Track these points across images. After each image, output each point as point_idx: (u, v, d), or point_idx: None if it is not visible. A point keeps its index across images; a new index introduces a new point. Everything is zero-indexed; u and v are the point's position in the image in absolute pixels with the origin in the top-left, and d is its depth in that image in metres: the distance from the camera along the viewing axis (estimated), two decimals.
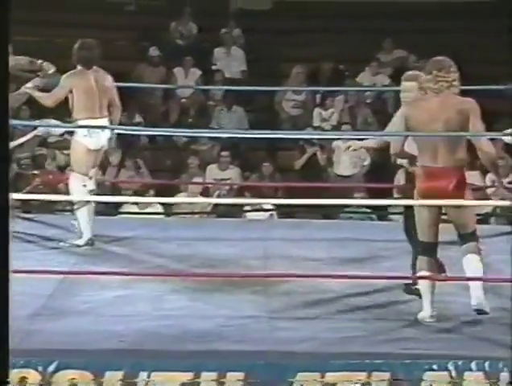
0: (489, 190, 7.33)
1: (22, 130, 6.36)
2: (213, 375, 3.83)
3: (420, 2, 10.32)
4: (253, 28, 10.33)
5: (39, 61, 5.64)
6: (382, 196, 7.29)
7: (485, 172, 7.14)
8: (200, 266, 5.24)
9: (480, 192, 6.86)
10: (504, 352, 3.96)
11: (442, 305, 4.46)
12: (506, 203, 6.52)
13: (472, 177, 6.71)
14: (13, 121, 4.46)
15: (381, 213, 7.89)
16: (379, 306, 4.58)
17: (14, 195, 4.66)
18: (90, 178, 5.64)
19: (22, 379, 3.77)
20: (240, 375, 3.84)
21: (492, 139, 4.64)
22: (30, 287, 4.39)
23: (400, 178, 8.14)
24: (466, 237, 4.39)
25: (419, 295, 4.46)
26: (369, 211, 8.02)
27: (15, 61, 5.39)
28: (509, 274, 4.47)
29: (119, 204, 7.66)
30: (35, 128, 6.22)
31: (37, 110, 6.81)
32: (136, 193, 7.75)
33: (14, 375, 3.69)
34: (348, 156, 8.93)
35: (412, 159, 4.55)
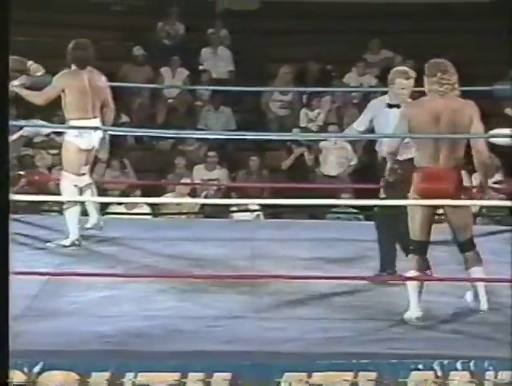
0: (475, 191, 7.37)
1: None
2: (200, 375, 3.83)
3: (407, 2, 10.35)
4: (241, 28, 10.33)
5: (29, 62, 5.63)
6: (369, 196, 7.30)
7: (470, 172, 7.16)
8: (187, 266, 5.23)
9: (468, 192, 6.88)
10: (489, 352, 3.98)
11: (428, 304, 4.47)
12: (505, 203, 6.57)
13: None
14: (12, 122, 4.45)
15: (368, 213, 7.90)
16: (366, 306, 4.59)
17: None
18: (83, 174, 5.63)
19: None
20: (227, 375, 3.83)
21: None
22: (14, 288, 4.35)
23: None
24: (465, 244, 4.42)
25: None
26: (355, 211, 8.03)
27: None
28: (500, 274, 4.50)
29: (106, 204, 7.64)
30: (20, 128, 6.20)
31: (24, 110, 6.79)
32: (123, 193, 7.74)
33: None
34: (335, 156, 8.95)
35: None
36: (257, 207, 7.76)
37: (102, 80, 5.67)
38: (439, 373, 3.86)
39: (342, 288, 4.82)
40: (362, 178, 8.38)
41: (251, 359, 3.89)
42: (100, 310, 4.46)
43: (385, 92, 5.17)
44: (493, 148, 4.74)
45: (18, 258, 5.17)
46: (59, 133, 8.78)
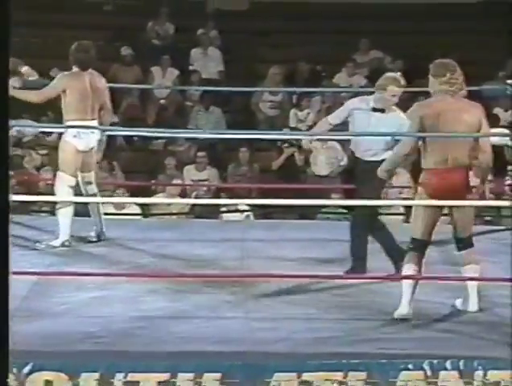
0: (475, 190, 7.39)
1: None
2: (190, 375, 3.83)
3: (395, 3, 10.37)
4: (231, 29, 10.33)
5: (25, 68, 5.63)
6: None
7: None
8: (178, 267, 5.22)
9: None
10: (479, 351, 3.99)
11: (418, 304, 4.48)
12: (506, 203, 6.62)
13: None
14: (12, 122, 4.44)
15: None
16: (356, 306, 4.60)
17: None
18: (90, 183, 5.66)
19: None
20: (217, 375, 3.83)
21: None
22: None
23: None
24: (464, 242, 4.45)
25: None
26: (345, 211, 8.04)
27: None
28: (492, 275, 4.52)
29: None
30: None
31: (11, 110, 6.75)
32: (111, 195, 7.72)
33: None
34: (325, 156, 8.96)
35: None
36: (247, 208, 7.76)
37: (102, 82, 5.68)
38: (429, 373, 3.87)
39: (332, 288, 4.82)
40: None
41: (241, 360, 3.89)
42: (90, 311, 4.45)
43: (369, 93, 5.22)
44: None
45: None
46: (49, 134, 8.79)
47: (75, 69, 5.61)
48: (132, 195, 7.85)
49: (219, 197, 8.15)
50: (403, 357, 3.91)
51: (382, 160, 4.77)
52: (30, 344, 3.97)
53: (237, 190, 8.35)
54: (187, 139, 9.12)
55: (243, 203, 7.71)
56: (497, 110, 9.35)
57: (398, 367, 3.87)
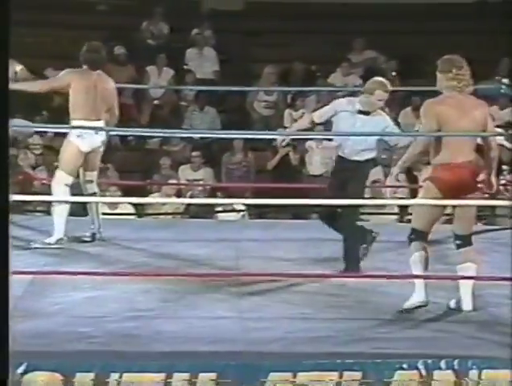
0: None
1: None
2: (185, 375, 3.83)
3: (391, 3, 10.38)
4: (225, 29, 10.33)
5: (19, 67, 5.63)
6: None
7: None
8: (173, 267, 5.22)
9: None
10: (473, 351, 4.00)
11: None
12: (507, 202, 6.67)
13: None
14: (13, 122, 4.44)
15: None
16: (350, 306, 4.60)
17: None
18: (91, 181, 5.66)
19: None
20: (212, 375, 3.83)
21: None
22: None
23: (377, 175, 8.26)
24: (463, 239, 4.46)
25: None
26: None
27: None
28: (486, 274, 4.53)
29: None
30: None
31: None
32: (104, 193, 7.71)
33: None
34: (320, 156, 8.98)
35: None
36: (242, 207, 7.76)
37: (110, 84, 5.68)
38: (424, 372, 3.87)
39: (327, 287, 4.83)
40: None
41: (236, 359, 3.89)
42: (85, 311, 4.45)
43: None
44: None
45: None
46: (44, 133, 8.78)
47: (84, 67, 5.63)
48: (127, 195, 7.84)
49: (214, 197, 8.15)
50: (398, 357, 3.91)
51: (367, 160, 5.03)
52: (24, 344, 3.96)
53: (231, 189, 8.35)
54: (182, 139, 9.12)
55: (238, 202, 7.71)
56: (493, 109, 9.36)
57: (392, 366, 3.87)
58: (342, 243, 5.13)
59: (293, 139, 9.16)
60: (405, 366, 3.87)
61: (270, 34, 10.39)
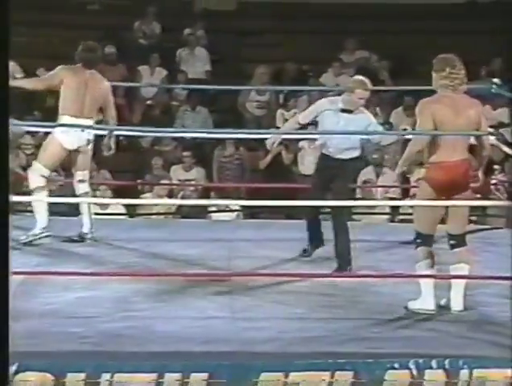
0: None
1: None
2: (177, 376, 3.82)
3: (383, 3, 10.40)
4: (218, 28, 10.33)
5: (20, 76, 5.65)
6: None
7: None
8: (165, 267, 5.22)
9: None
10: (464, 350, 4.01)
11: (403, 303, 4.49)
12: (503, 203, 6.69)
13: None
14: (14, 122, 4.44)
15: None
16: (342, 306, 4.60)
17: None
18: (83, 181, 5.65)
19: None
20: (204, 375, 3.83)
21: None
22: None
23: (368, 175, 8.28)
24: (457, 239, 4.47)
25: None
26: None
27: None
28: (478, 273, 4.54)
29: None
30: None
31: None
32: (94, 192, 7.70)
33: None
34: (313, 156, 8.97)
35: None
36: (236, 207, 7.75)
37: (103, 84, 5.67)
38: (415, 372, 3.88)
39: (319, 287, 4.83)
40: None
41: (228, 360, 3.89)
42: (76, 311, 4.44)
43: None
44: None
45: None
46: (35, 133, 8.75)
47: (78, 65, 5.64)
48: (118, 195, 7.83)
49: (206, 197, 8.14)
50: (389, 356, 3.92)
51: (351, 158, 5.14)
52: (15, 344, 3.95)
53: (224, 189, 8.34)
54: (174, 139, 9.11)
55: (230, 204, 7.71)
56: (485, 109, 9.38)
57: (384, 366, 3.88)
58: (333, 242, 5.14)
59: (284, 139, 9.19)
60: (396, 365, 3.88)
61: (263, 34, 10.39)
